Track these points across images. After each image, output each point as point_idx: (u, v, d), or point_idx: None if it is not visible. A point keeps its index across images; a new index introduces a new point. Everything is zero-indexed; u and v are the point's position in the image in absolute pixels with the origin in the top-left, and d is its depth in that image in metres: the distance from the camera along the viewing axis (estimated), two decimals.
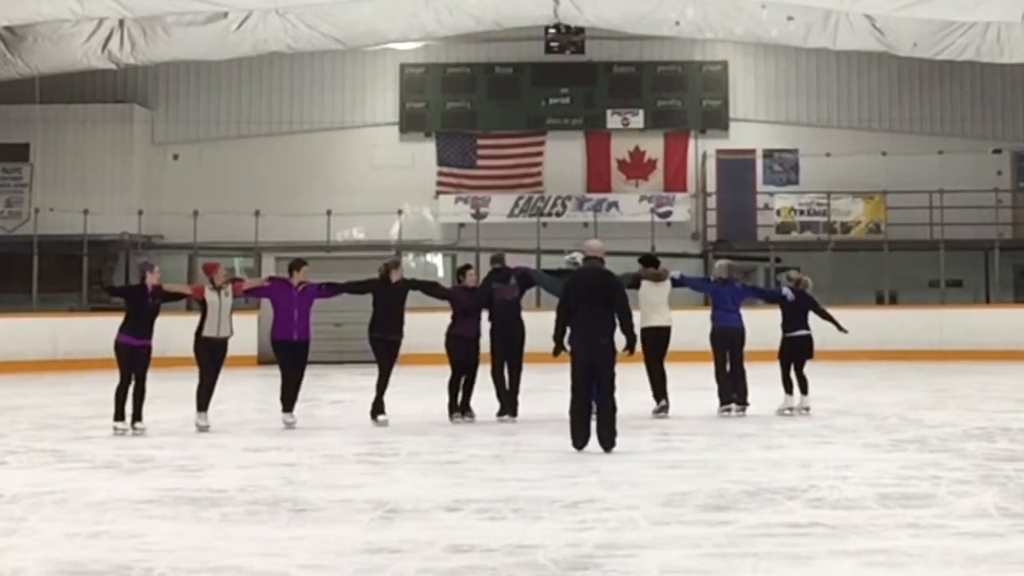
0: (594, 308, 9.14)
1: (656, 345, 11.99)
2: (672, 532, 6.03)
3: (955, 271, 23.80)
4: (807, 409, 12.06)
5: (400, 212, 25.01)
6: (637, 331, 9.75)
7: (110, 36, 21.07)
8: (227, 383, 14.33)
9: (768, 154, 25.50)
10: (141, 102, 25.89)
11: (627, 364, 9.59)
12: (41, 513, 6.77)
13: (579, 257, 12.16)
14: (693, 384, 13.22)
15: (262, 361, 22.93)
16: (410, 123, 25.99)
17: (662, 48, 25.69)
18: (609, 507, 6.72)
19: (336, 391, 16.02)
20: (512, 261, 12.56)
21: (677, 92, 25.95)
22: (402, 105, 26.01)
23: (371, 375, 11.69)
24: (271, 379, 19.52)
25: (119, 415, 10.79)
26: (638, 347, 9.96)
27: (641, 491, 7.29)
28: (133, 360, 10.81)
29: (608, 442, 9.04)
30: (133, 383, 10.81)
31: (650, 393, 12.08)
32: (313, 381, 17.66)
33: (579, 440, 9.10)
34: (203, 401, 11.21)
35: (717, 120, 25.92)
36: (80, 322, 22.11)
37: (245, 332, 22.73)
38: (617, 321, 9.21)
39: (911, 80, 25.67)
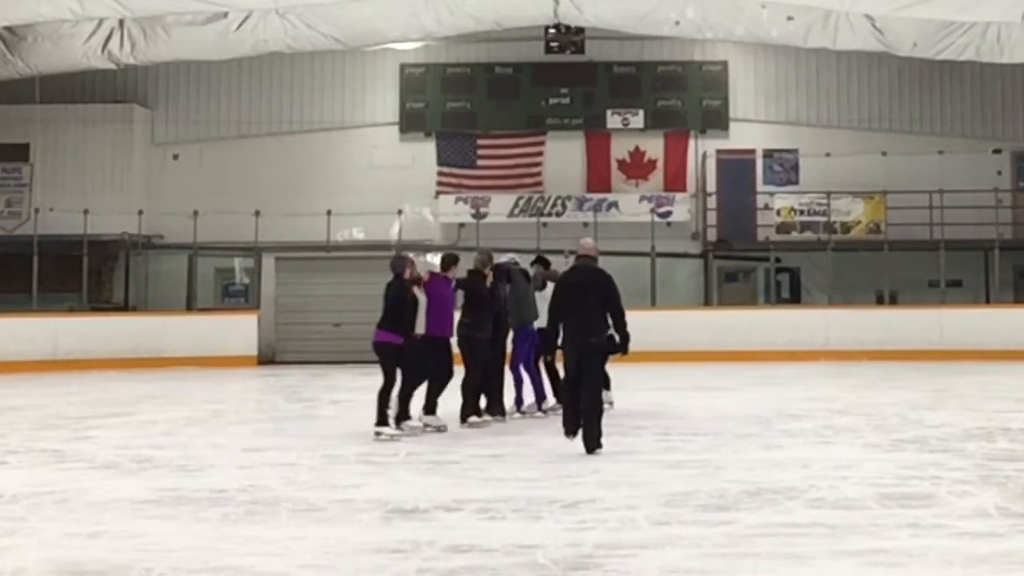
0: (586, 307, 9.11)
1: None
2: (672, 532, 6.03)
3: (955, 271, 23.78)
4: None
5: (400, 212, 25.00)
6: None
7: (110, 36, 21.06)
8: (227, 383, 14.32)
9: (768, 154, 25.49)
10: (141, 102, 25.87)
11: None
12: (41, 513, 6.77)
13: (517, 257, 12.29)
14: (693, 384, 13.20)
15: (262, 361, 22.97)
16: (410, 123, 25.98)
17: (662, 48, 25.68)
18: (609, 507, 6.72)
19: (336, 391, 16.00)
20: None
21: (677, 92, 25.93)
22: (402, 105, 26.00)
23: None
24: (271, 379, 19.53)
25: (384, 419, 10.36)
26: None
27: (641, 491, 7.29)
28: (401, 359, 10.44)
29: (591, 443, 8.95)
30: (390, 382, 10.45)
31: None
32: (312, 381, 17.72)
33: (569, 427, 9.08)
34: (434, 403, 10.88)
35: (717, 120, 25.91)
36: (80, 322, 22.13)
37: (245, 332, 22.87)
38: (611, 320, 9.20)
39: (911, 80, 25.66)
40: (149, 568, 5.32)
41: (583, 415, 9.04)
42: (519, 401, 11.88)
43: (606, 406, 11.90)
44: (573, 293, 9.21)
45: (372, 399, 12.02)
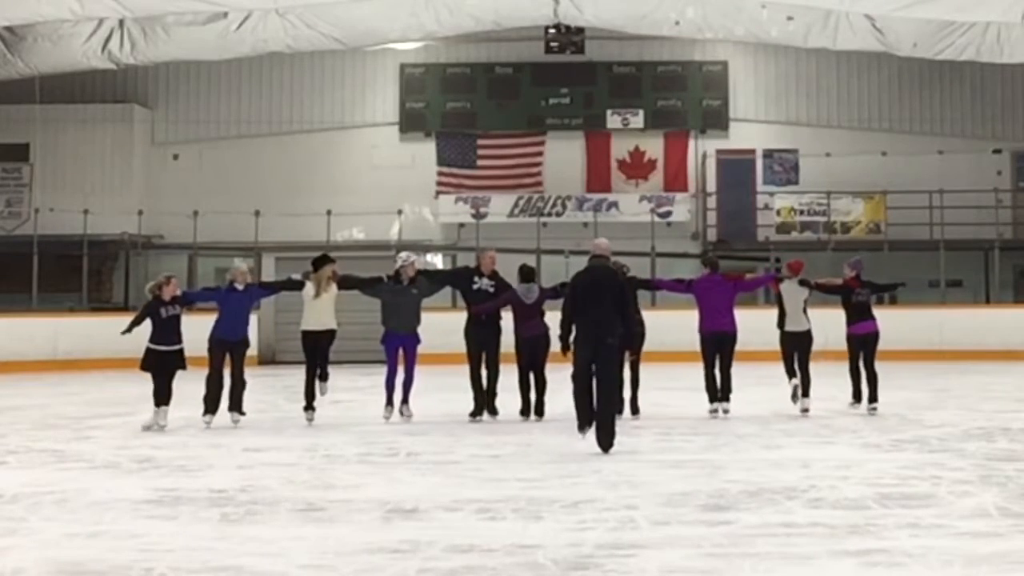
0: (601, 307, 9.09)
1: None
2: (672, 532, 6.03)
3: (955, 271, 23.77)
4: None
5: (400, 212, 25.00)
6: None
7: (110, 36, 21.05)
8: (227, 383, 14.32)
9: (768, 154, 25.49)
10: (141, 102, 25.87)
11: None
12: (41, 513, 6.77)
13: (413, 256, 12.39)
14: (693, 385, 13.20)
15: (262, 361, 22.93)
16: (410, 123, 25.98)
17: (662, 48, 25.68)
18: (609, 507, 6.72)
19: (336, 391, 15.97)
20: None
21: (677, 92, 25.94)
22: (402, 105, 26.01)
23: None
24: (271, 379, 19.57)
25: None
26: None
27: (641, 491, 7.29)
28: None
29: (606, 443, 8.99)
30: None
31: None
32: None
33: (584, 420, 9.07)
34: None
35: (717, 120, 25.91)
36: (80, 322, 22.08)
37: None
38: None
39: (911, 80, 25.66)
40: (149, 568, 5.32)
41: (599, 414, 9.03)
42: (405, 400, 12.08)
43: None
44: (588, 293, 9.19)
45: (372, 399, 12.06)
